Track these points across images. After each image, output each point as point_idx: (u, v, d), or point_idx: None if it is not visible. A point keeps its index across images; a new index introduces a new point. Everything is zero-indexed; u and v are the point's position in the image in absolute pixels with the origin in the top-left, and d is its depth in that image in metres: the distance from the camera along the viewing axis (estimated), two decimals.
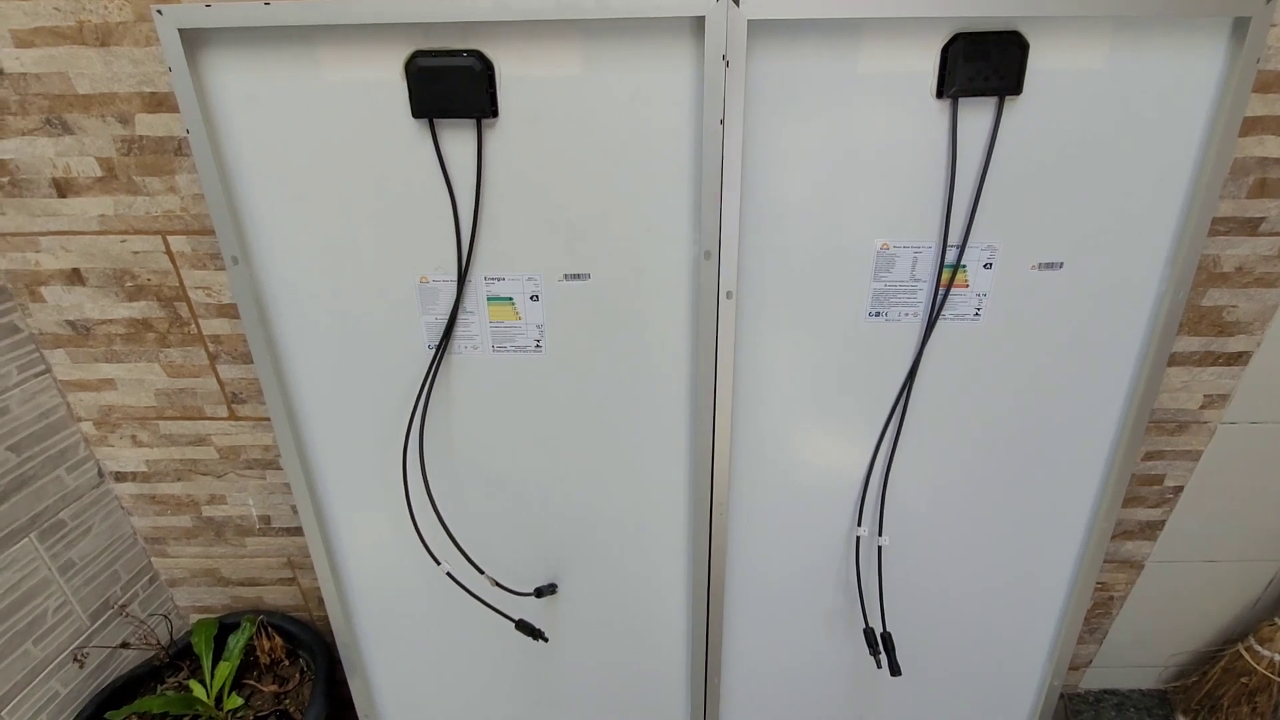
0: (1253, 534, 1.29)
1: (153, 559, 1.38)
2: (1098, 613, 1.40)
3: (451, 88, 0.81)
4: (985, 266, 0.93)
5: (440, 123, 0.84)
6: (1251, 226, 1.00)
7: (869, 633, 1.11)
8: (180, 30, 0.79)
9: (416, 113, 0.83)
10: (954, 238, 0.91)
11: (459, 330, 0.96)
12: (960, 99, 0.84)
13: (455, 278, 0.93)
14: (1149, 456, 1.20)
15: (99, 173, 0.98)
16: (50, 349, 1.14)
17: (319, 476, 1.08)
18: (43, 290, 1.08)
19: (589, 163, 0.86)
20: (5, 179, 0.99)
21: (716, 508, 1.06)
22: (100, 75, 0.91)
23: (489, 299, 0.94)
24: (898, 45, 0.82)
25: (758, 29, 0.80)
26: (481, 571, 1.02)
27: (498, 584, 1.02)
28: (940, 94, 0.84)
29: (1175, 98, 0.85)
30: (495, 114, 0.83)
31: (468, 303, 0.95)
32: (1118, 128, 0.86)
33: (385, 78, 0.82)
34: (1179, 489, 1.24)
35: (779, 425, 1.04)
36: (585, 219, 0.89)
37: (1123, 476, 1.08)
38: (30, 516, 1.14)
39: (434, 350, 0.97)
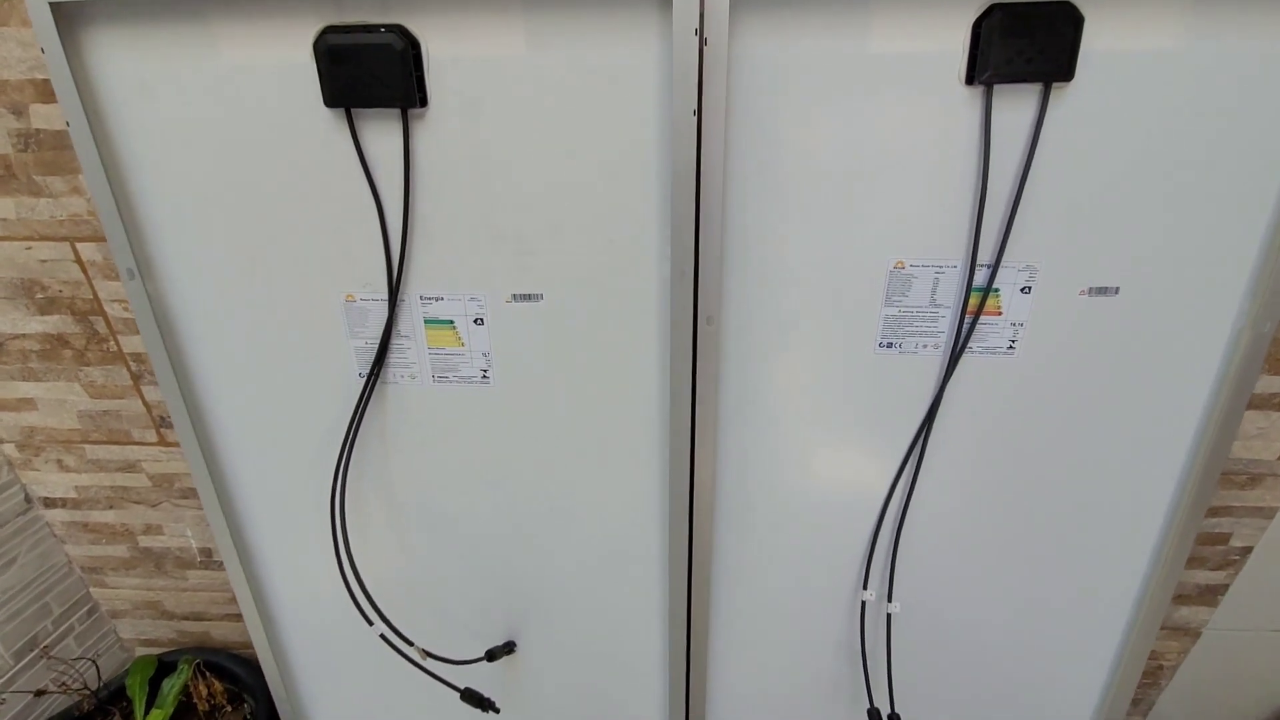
0: None
1: (91, 589, 1.27)
2: (1144, 683, 1.22)
3: (369, 71, 0.67)
4: (1022, 290, 0.77)
5: (360, 113, 0.70)
6: None
7: (874, 714, 0.95)
8: (52, 4, 0.66)
9: (329, 101, 0.69)
10: (984, 256, 0.75)
11: (393, 357, 0.83)
12: (995, 85, 0.68)
13: (386, 296, 0.79)
14: (1213, 513, 1.02)
15: None
16: None
17: (244, 517, 0.95)
18: None
19: (537, 162, 0.71)
20: None
21: (697, 564, 0.91)
22: None
23: (426, 321, 0.80)
24: (919, 19, 0.66)
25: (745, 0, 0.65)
26: (410, 643, 0.88)
27: (430, 655, 0.88)
28: (971, 79, 0.68)
29: (1262, 88, 0.68)
30: (424, 102, 0.69)
31: (402, 325, 0.81)
32: (1192, 124, 0.69)
33: (293, 60, 0.69)
34: (1247, 550, 1.05)
35: (770, 471, 0.88)
36: (535, 229, 0.75)
37: (1185, 536, 0.91)
38: None
39: (365, 379, 0.83)
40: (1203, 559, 1.06)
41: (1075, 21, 0.65)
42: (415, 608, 0.96)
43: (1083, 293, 0.77)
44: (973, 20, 0.66)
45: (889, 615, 0.94)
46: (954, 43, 0.67)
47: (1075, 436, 0.84)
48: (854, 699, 1.02)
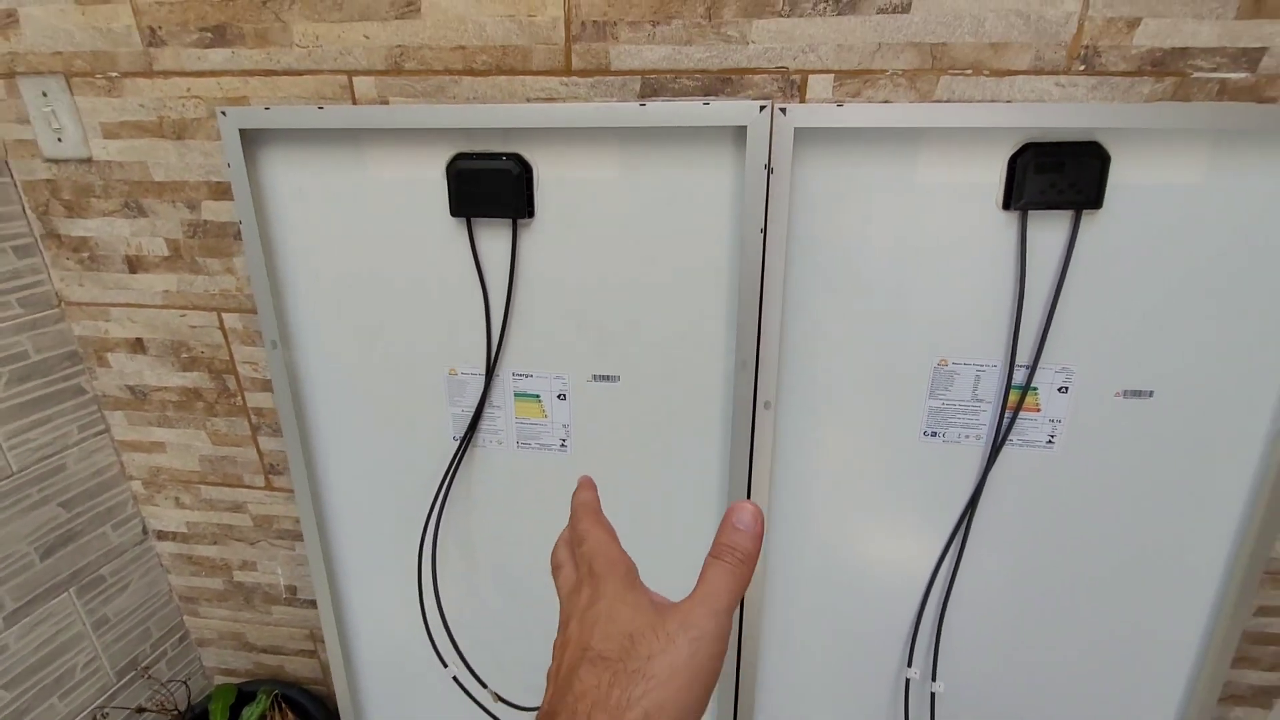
0: None
1: (185, 618, 1.39)
2: None
3: (490, 189, 0.81)
4: (1060, 390, 0.84)
5: (477, 221, 0.84)
6: None
7: None
8: (241, 130, 0.83)
9: (455, 212, 0.83)
10: (1023, 357, 0.82)
11: (484, 424, 0.94)
12: (1030, 211, 0.77)
13: (484, 371, 0.91)
14: (1264, 611, 1.02)
15: (166, 252, 1.03)
16: (111, 410, 1.19)
17: (337, 561, 1.06)
18: (109, 356, 1.14)
19: (622, 264, 0.83)
20: (86, 254, 1.06)
21: (746, 634, 0.97)
22: (174, 165, 0.97)
23: (516, 395, 0.92)
24: (960, 154, 0.76)
25: (806, 137, 0.76)
26: (484, 685, 0.96)
27: (500, 699, 0.96)
28: (1008, 205, 0.77)
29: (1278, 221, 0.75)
30: (531, 214, 0.82)
31: (494, 397, 0.92)
32: (1218, 247, 0.76)
33: (427, 177, 0.83)
34: None
35: (820, 546, 0.95)
36: (617, 320, 0.86)
37: (1230, 634, 0.92)
38: (72, 571, 1.17)
39: (459, 441, 0.94)
40: (1254, 659, 1.06)
41: (1102, 158, 0.74)
42: (485, 659, 1.04)
43: (1118, 394, 0.83)
44: (1008, 156, 0.76)
45: (933, 695, 0.97)
46: (992, 174, 0.76)
47: (1115, 531, 0.88)
48: None
